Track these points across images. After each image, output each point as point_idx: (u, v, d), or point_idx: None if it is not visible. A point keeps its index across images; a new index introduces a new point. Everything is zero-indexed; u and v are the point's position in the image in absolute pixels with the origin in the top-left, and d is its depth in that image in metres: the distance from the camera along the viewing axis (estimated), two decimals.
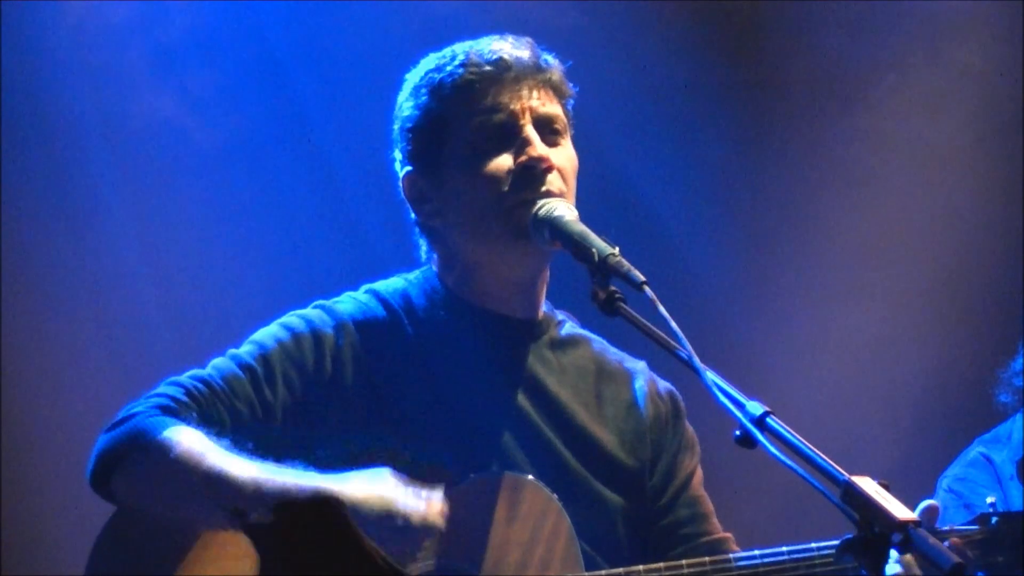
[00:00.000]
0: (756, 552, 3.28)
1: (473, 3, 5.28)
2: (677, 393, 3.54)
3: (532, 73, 3.37)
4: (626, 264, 3.03)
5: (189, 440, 3.13)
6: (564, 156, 3.37)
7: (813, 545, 3.25)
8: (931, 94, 6.01)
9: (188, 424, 3.17)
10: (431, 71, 3.40)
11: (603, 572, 3.27)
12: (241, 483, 3.09)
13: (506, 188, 3.31)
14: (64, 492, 4.96)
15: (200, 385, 3.25)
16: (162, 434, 3.13)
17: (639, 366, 3.54)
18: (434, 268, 3.47)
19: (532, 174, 3.31)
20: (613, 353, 3.55)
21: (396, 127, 3.45)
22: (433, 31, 5.22)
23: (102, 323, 5.26)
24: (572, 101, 3.44)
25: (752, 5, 6.04)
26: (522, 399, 3.38)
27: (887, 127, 6.04)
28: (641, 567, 3.26)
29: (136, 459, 3.14)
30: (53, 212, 5.24)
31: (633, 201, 5.85)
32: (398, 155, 3.46)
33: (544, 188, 3.30)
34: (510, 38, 3.41)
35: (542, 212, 3.26)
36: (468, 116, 3.35)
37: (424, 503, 3.11)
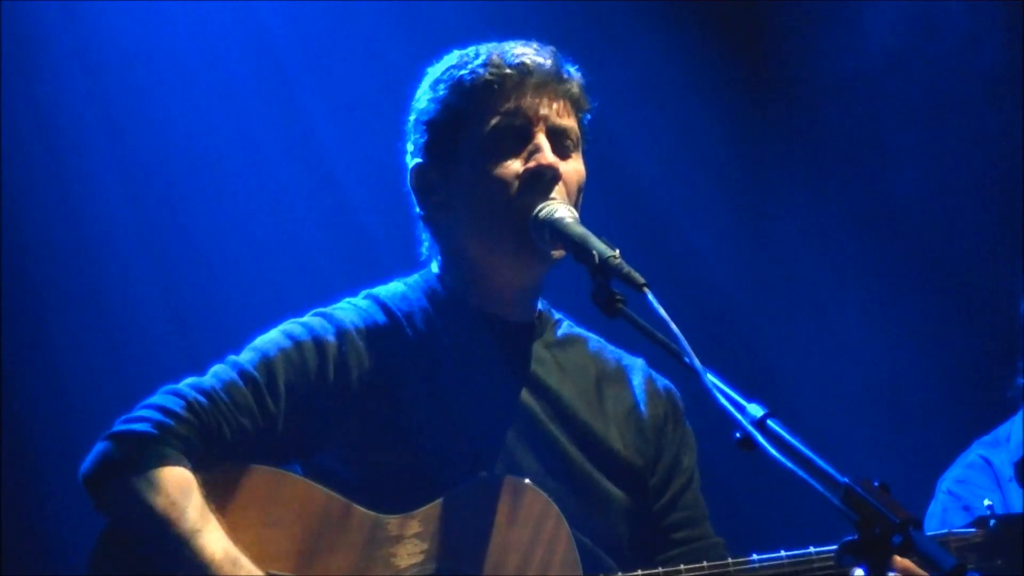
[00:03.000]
0: (755, 556, 3.28)
1: (473, 3, 5.28)
2: (675, 390, 3.56)
3: (553, 83, 3.38)
4: (627, 266, 3.04)
5: (173, 487, 3.15)
6: (572, 169, 3.38)
7: (812, 549, 3.25)
8: (932, 94, 6.00)
9: (181, 459, 3.18)
10: (453, 67, 3.41)
11: None
12: (192, 559, 3.12)
13: (513, 193, 3.31)
14: (64, 492, 4.96)
15: (201, 397, 3.23)
16: (154, 470, 3.15)
17: (637, 363, 3.56)
18: (434, 269, 3.48)
19: (540, 181, 3.32)
20: (611, 351, 3.56)
21: (411, 118, 3.46)
22: (433, 31, 5.24)
23: (102, 323, 5.25)
24: (588, 116, 3.45)
25: (752, 5, 6.04)
26: (525, 398, 3.39)
27: (891, 127, 6.04)
28: (640, 572, 3.27)
29: (125, 482, 3.16)
30: (53, 212, 5.24)
31: (636, 202, 5.85)
32: (410, 146, 3.47)
33: (551, 197, 3.30)
34: (534, 44, 3.42)
35: (542, 214, 3.26)
36: (485, 116, 3.35)
37: None
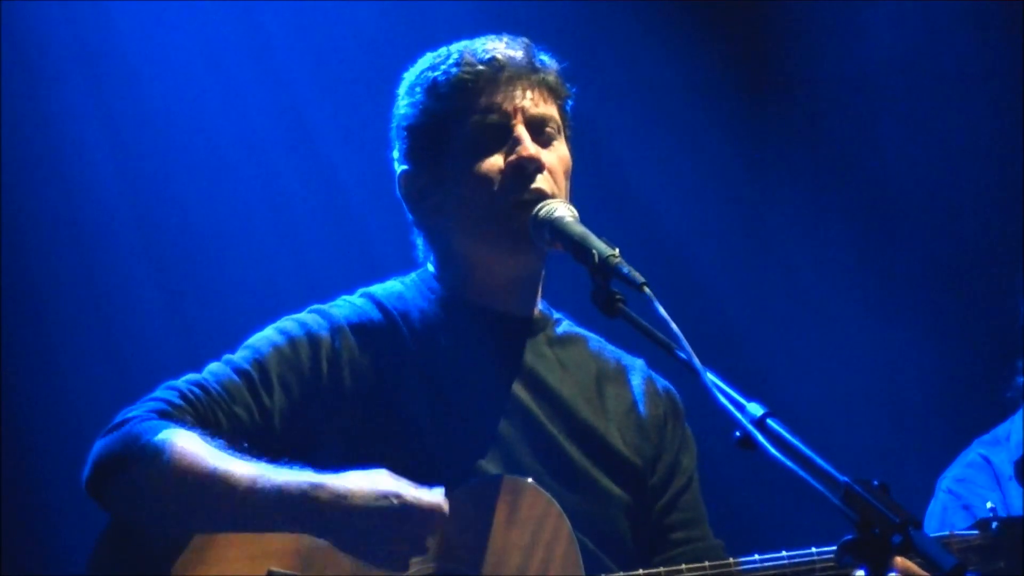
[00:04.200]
0: (756, 557, 3.28)
1: (473, 3, 5.28)
2: (675, 391, 3.56)
3: (526, 73, 3.39)
4: (626, 265, 3.04)
5: (184, 442, 3.13)
6: (555, 157, 3.38)
7: (813, 550, 3.25)
8: (933, 94, 6.01)
9: (183, 427, 3.16)
10: (426, 69, 3.43)
11: None
12: (236, 480, 3.09)
13: (497, 188, 3.32)
14: (64, 492, 4.96)
15: (197, 390, 3.24)
16: (157, 437, 3.13)
17: (637, 364, 3.56)
18: (430, 268, 3.49)
19: (522, 174, 3.33)
20: (611, 351, 3.56)
21: (393, 125, 3.48)
22: (433, 31, 5.21)
23: (102, 324, 5.25)
24: (570, 102, 3.46)
25: (752, 6, 6.04)
26: (524, 395, 3.39)
27: (891, 128, 6.04)
28: (641, 571, 3.27)
29: (132, 464, 3.13)
30: (53, 212, 5.24)
31: (635, 202, 5.85)
32: (395, 153, 3.48)
33: (534, 187, 3.31)
34: (505, 38, 3.44)
35: (542, 213, 3.27)
36: (462, 115, 3.37)
37: (422, 491, 3.11)
